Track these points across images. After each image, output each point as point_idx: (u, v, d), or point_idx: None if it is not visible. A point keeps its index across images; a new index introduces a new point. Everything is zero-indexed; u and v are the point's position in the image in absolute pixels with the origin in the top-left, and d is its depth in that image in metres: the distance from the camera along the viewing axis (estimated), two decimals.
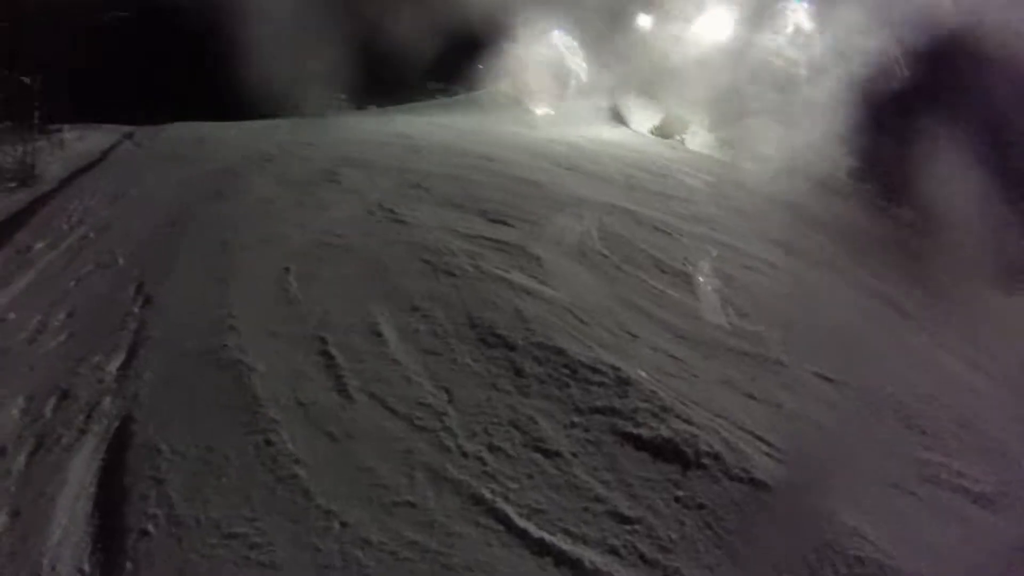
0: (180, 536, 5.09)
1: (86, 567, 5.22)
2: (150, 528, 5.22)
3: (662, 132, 22.08)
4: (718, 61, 21.14)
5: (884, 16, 17.60)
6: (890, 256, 14.50)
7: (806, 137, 19.14)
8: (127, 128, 17.46)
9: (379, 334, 7.23)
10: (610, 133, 21.00)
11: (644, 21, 24.66)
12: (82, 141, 16.64)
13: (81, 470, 6.10)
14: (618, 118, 22.89)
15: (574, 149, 17.02)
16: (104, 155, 15.51)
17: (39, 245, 10.87)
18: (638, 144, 19.87)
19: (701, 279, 9.82)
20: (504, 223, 10.26)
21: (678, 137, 21.74)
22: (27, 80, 14.54)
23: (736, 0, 21.44)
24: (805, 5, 20.99)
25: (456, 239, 9.43)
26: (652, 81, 22.69)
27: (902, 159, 16.35)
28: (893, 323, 11.04)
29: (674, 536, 5.07)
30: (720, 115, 21.77)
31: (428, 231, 9.72)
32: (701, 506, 5.35)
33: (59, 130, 16.14)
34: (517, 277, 8.44)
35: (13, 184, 13.79)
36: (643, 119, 22.54)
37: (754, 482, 5.57)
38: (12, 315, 8.87)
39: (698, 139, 21.81)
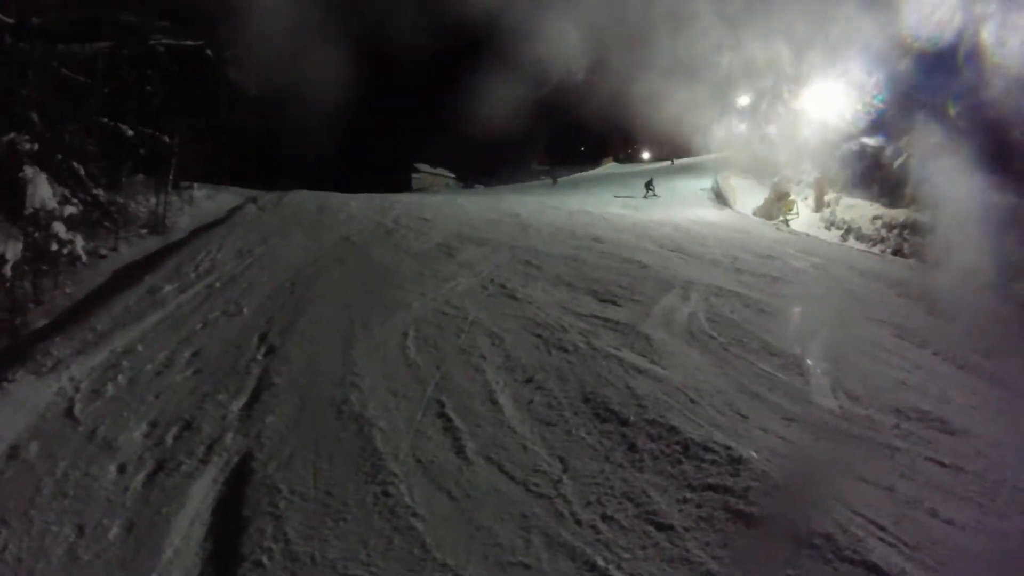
0: (295, 571, 5.37)
1: None
2: (264, 560, 5.52)
3: (765, 213, 21.95)
4: (822, 140, 21.13)
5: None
6: (1006, 336, 13.93)
7: (910, 216, 18.90)
8: (252, 192, 18.62)
9: (495, 402, 7.48)
10: (713, 214, 21.10)
11: (744, 100, 24.79)
12: (210, 200, 17.84)
13: (199, 497, 6.55)
14: (720, 199, 22.97)
15: (678, 231, 17.22)
16: (230, 214, 16.57)
17: (168, 288, 11.69)
18: (741, 225, 19.90)
19: (810, 362, 9.74)
20: (613, 303, 10.49)
21: (782, 218, 21.58)
22: (166, 139, 15.65)
23: (840, 76, 21.30)
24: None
25: (567, 316, 9.70)
26: (753, 161, 22.74)
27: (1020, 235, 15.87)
28: (1007, 407, 10.63)
29: None
30: (825, 196, 21.59)
31: (540, 307, 10.04)
32: None
33: (189, 187, 17.35)
34: (628, 355, 8.60)
35: (144, 231, 14.86)
36: (745, 200, 22.50)
37: (867, 565, 5.47)
38: (140, 347, 9.58)
39: (803, 220, 21.62)
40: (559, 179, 21.65)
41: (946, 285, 16.32)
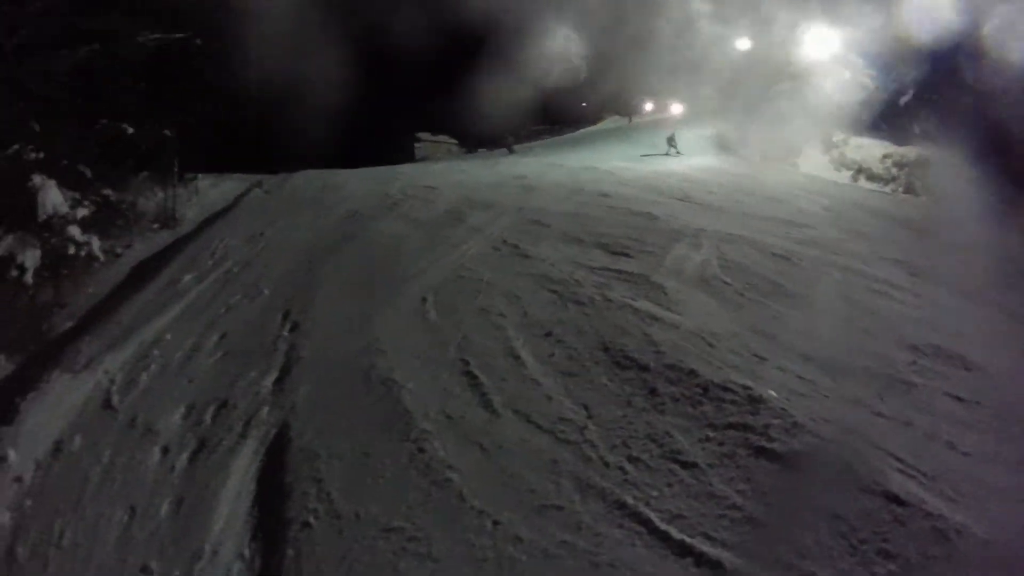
0: (341, 528, 5.66)
1: (246, 553, 5.88)
2: (311, 520, 5.82)
3: (772, 157, 21.71)
4: (826, 81, 20.96)
5: None
6: (1021, 270, 13.99)
7: (922, 154, 18.89)
8: (256, 176, 18.73)
9: (517, 357, 7.70)
10: (718, 161, 20.99)
11: (743, 44, 24.39)
12: (216, 188, 17.98)
13: (242, 469, 6.85)
14: (724, 146, 22.81)
15: (685, 180, 17.21)
16: (237, 200, 16.74)
17: (187, 278, 11.92)
18: (748, 171, 19.80)
19: (824, 303, 9.89)
20: (625, 255, 10.64)
21: (789, 161, 21.43)
22: (168, 133, 15.76)
23: (838, 15, 21.05)
24: None
25: (580, 271, 9.86)
26: (756, 106, 22.47)
27: None
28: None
29: (809, 543, 5.23)
30: (832, 136, 21.46)
31: (553, 264, 10.20)
32: (835, 516, 5.48)
33: (194, 178, 17.49)
34: (643, 305, 8.77)
35: (156, 226, 15.07)
36: (750, 145, 22.27)
37: (887, 495, 5.69)
38: (168, 336, 9.83)
39: (811, 161, 21.51)
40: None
41: (958, 222, 16.37)
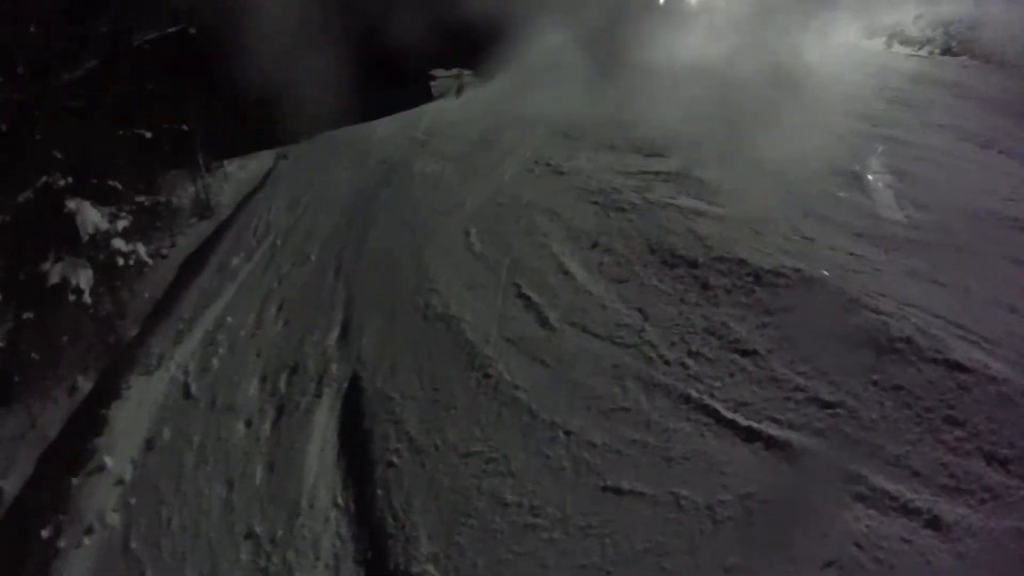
0: (423, 461, 5.93)
1: (340, 499, 6.20)
2: (394, 459, 6.10)
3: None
4: None
5: None
6: None
7: (958, 8, 18.00)
8: (279, 149, 18.85)
9: (567, 272, 7.75)
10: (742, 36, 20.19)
11: None
12: (243, 169, 18.12)
13: (323, 424, 7.15)
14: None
15: (718, 60, 16.52)
16: (266, 176, 16.91)
17: (235, 260, 12.18)
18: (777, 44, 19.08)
19: (872, 177, 9.67)
20: (660, 155, 10.44)
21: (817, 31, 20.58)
22: (185, 127, 15.98)
23: None
24: None
25: (618, 177, 9.75)
26: None
27: None
28: None
29: (875, 417, 5.27)
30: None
31: (589, 175, 10.09)
32: (898, 387, 5.48)
33: (221, 165, 17.73)
34: (685, 201, 8.69)
35: (193, 220, 15.39)
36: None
37: (949, 363, 5.62)
38: (230, 318, 10.13)
39: (839, 29, 20.65)
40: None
41: (1003, 82, 15.68)
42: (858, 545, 4.49)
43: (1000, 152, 11.08)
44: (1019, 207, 8.87)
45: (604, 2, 17.22)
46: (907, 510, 4.69)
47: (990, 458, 5.04)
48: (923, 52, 17.80)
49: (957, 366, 5.60)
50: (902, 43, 18.35)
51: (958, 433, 5.12)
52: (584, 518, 4.99)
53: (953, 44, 17.69)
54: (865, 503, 4.75)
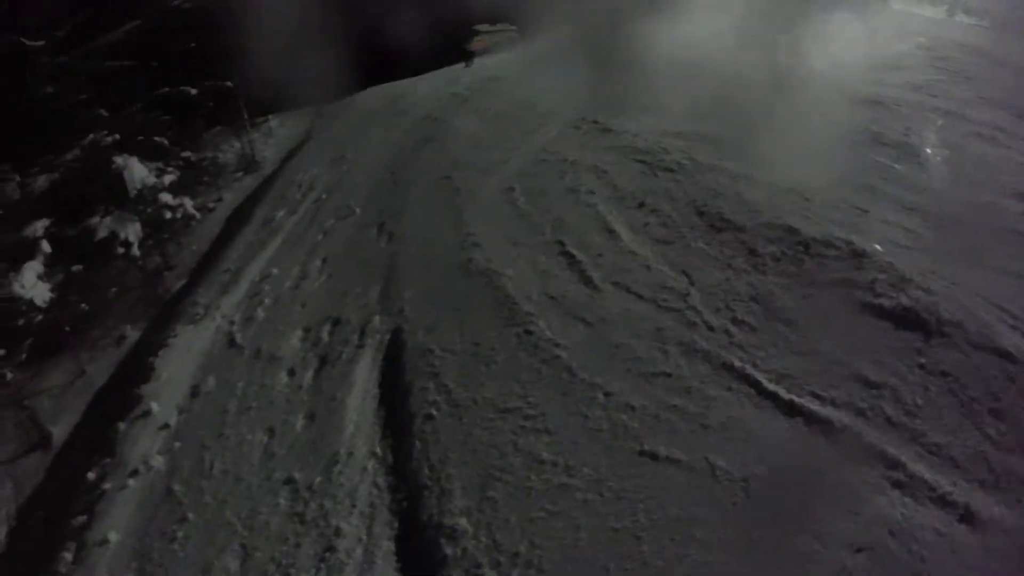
0: (460, 416, 5.96)
1: (378, 450, 6.27)
2: (433, 412, 6.14)
3: None
4: None
5: None
6: None
7: None
8: (320, 106, 18.89)
9: (612, 231, 7.70)
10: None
11: None
12: (285, 126, 18.28)
13: (364, 376, 7.23)
14: None
15: (765, 28, 16.16)
16: (309, 132, 17.01)
17: (280, 214, 12.32)
18: (831, 10, 18.58)
19: (928, 150, 9.42)
20: (707, 119, 10.23)
21: None
22: (230, 84, 16.08)
23: None
24: None
25: (665, 138, 9.63)
26: None
27: None
28: None
29: (919, 401, 5.19)
30: None
31: (636, 135, 9.98)
32: (944, 373, 5.39)
33: (265, 121, 17.87)
34: (733, 165, 8.54)
35: (239, 174, 15.58)
36: None
37: (998, 351, 5.51)
38: (275, 270, 10.26)
39: None
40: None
41: None
42: (892, 533, 4.44)
43: None
44: None
45: None
46: (944, 502, 4.62)
47: None
48: (985, 23, 17.23)
49: (1006, 355, 5.48)
50: (965, 12, 17.78)
51: (1001, 426, 5.02)
52: (619, 481, 5.00)
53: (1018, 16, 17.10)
54: (902, 490, 4.70)
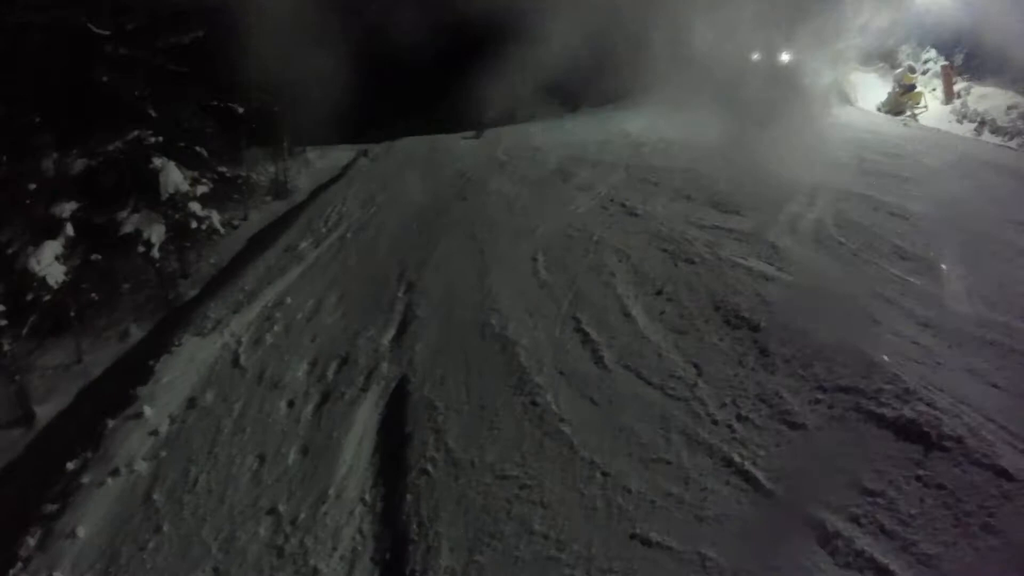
0: (457, 475, 5.99)
1: (368, 496, 6.29)
2: (429, 468, 6.18)
3: (891, 108, 20.65)
4: (950, 20, 19.71)
5: None
6: None
7: None
8: (361, 146, 19.19)
9: (628, 314, 7.80)
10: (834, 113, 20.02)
11: None
12: (324, 159, 18.56)
13: (364, 419, 7.29)
14: (841, 96, 21.81)
15: (802, 135, 16.53)
16: (345, 170, 17.24)
17: (304, 244, 12.45)
18: (866, 123, 18.84)
19: (944, 266, 9.51)
20: (736, 212, 10.45)
21: (909, 113, 20.31)
22: (276, 109, 16.37)
23: None
24: None
25: (691, 228, 9.79)
26: (873, 52, 21.30)
27: None
28: None
29: (913, 512, 5.23)
30: (954, 86, 20.18)
31: (662, 222, 10.15)
32: (941, 486, 5.44)
33: (303, 151, 18.15)
34: (755, 264, 8.67)
35: (268, 198, 15.81)
36: (867, 96, 21.17)
37: (996, 469, 5.56)
38: (289, 299, 10.35)
39: (931, 114, 20.34)
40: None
41: None
42: None
43: None
44: None
45: None
46: None
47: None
48: (1013, 144, 17.45)
49: (1004, 473, 5.54)
50: (992, 132, 18.01)
51: (993, 542, 5.06)
52: (608, 561, 5.01)
53: None
54: None
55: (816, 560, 4.93)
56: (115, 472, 7.76)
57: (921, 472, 5.58)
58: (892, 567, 4.85)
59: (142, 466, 7.79)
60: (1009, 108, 18.41)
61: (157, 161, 12.38)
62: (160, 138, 12.66)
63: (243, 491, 6.96)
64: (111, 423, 8.52)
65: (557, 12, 17.01)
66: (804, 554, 4.99)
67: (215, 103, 14.81)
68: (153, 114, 12.81)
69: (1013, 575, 4.95)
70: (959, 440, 5.81)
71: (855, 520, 5.18)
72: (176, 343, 9.89)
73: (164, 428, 8.28)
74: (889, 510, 5.24)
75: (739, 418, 6.11)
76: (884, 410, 6.11)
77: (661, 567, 4.95)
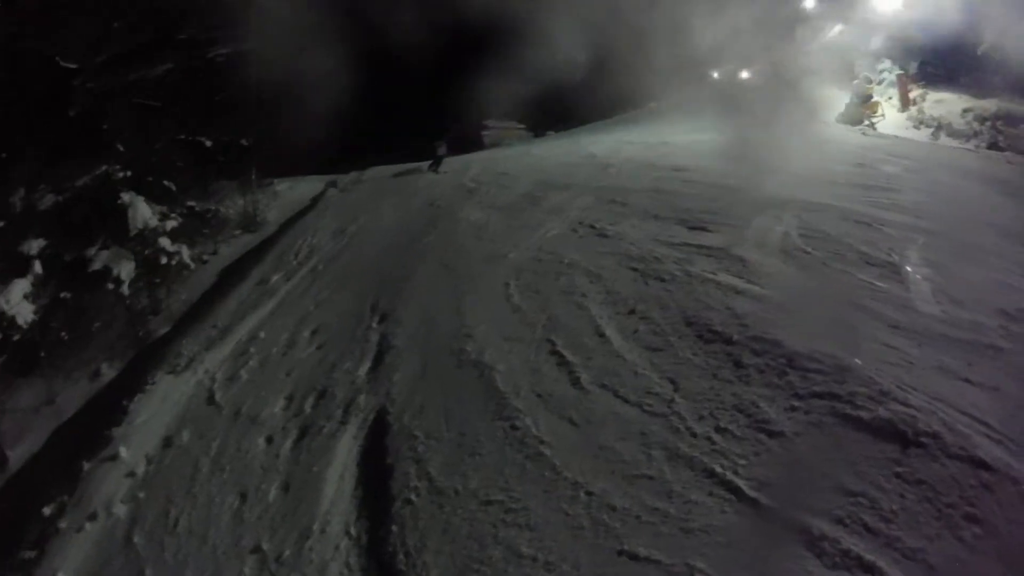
0: (441, 504, 5.95)
1: (353, 530, 6.24)
2: (412, 498, 6.14)
3: (849, 119, 21.02)
4: (903, 30, 20.23)
5: None
6: None
7: (1002, 106, 18.05)
8: (329, 176, 19.23)
9: (603, 335, 7.83)
10: (793, 126, 20.35)
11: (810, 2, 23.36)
12: (292, 191, 18.59)
13: (344, 453, 7.24)
14: (803, 110, 22.17)
15: (763, 149, 16.81)
16: (315, 201, 17.28)
17: (275, 277, 12.42)
18: (826, 134, 19.27)
19: (910, 269, 9.72)
20: (704, 229, 10.58)
21: (867, 123, 20.68)
22: (245, 142, 16.42)
23: None
24: None
25: (660, 247, 9.89)
26: (826, 65, 21.75)
27: None
28: None
29: (895, 508, 5.30)
30: (909, 94, 20.66)
31: (632, 242, 10.25)
32: (921, 481, 5.53)
33: (271, 183, 18.17)
34: (725, 278, 8.77)
35: (238, 232, 15.79)
36: (827, 108, 21.51)
37: (974, 461, 5.68)
38: (263, 334, 10.29)
39: (889, 121, 20.73)
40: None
41: None
42: None
43: None
44: None
45: None
46: None
47: (1008, 560, 5.09)
48: (970, 146, 17.86)
49: (982, 464, 5.66)
50: (949, 135, 18.43)
51: (977, 531, 5.17)
52: None
53: (1000, 139, 17.78)
54: None
55: (804, 564, 4.97)
56: (93, 516, 7.67)
57: (900, 469, 5.67)
58: (879, 563, 4.92)
59: (121, 509, 7.69)
60: (964, 111, 18.93)
61: (126, 196, 12.35)
62: (129, 172, 12.62)
63: (225, 530, 6.88)
64: (87, 465, 8.42)
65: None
66: (791, 558, 5.03)
67: (183, 136, 14.80)
68: (121, 148, 12.77)
69: (998, 562, 5.05)
70: (935, 436, 5.92)
71: (839, 521, 5.23)
72: (150, 382, 9.81)
73: (141, 469, 8.19)
74: (872, 509, 5.31)
75: (718, 430, 6.16)
76: (860, 412, 6.21)
77: None
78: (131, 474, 8.14)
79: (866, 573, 4.90)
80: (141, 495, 7.79)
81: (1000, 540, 5.16)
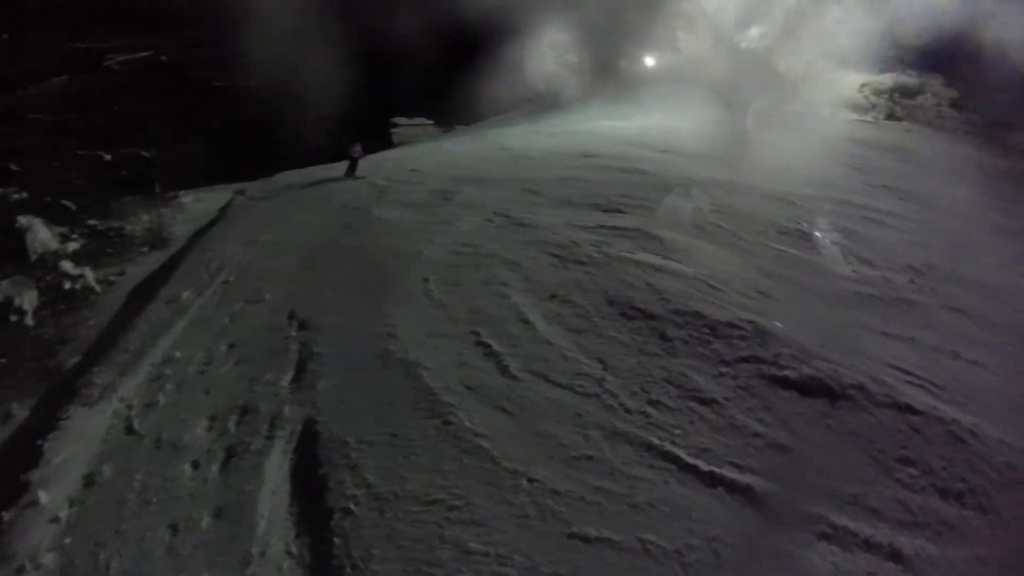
0: (382, 509, 5.77)
1: (294, 548, 5.99)
2: (351, 507, 5.93)
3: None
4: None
5: None
6: (1012, 188, 14.22)
7: (898, 80, 19.00)
8: (236, 185, 18.73)
9: (527, 321, 7.79)
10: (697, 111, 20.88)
11: None
12: (200, 202, 17.97)
13: (275, 469, 6.94)
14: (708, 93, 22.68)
15: (669, 133, 17.17)
16: (223, 211, 16.74)
17: (186, 294, 11.95)
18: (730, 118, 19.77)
19: (820, 235, 10.04)
20: (619, 211, 10.66)
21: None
22: (147, 155, 15.88)
23: None
24: None
25: (577, 232, 9.91)
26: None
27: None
28: (1020, 255, 10.93)
29: (831, 460, 5.53)
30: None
31: (549, 229, 10.23)
32: (853, 432, 5.80)
33: (175, 196, 17.60)
34: (643, 256, 8.86)
35: (145, 249, 15.20)
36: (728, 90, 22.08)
37: (900, 407, 6.02)
38: (178, 353, 9.88)
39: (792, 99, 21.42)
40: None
41: (944, 146, 16.53)
42: None
43: (939, 212, 11.67)
44: (958, 262, 9.38)
45: None
46: (869, 545, 4.97)
47: (944, 493, 5.42)
48: (868, 118, 18.67)
49: (908, 409, 6.00)
50: (850, 109, 19.23)
51: (912, 471, 5.49)
52: (552, 566, 4.95)
53: (896, 110, 18.76)
54: (828, 541, 5.01)
55: (750, 522, 5.12)
56: (21, 570, 7.18)
57: (831, 422, 5.94)
58: (823, 512, 5.14)
59: (48, 559, 7.22)
60: (861, 86, 19.86)
61: (23, 220, 11.71)
62: (24, 194, 11.99)
63: (160, 568, 6.53)
64: (7, 515, 7.90)
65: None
66: (737, 520, 5.15)
67: (82, 151, 14.19)
68: (14, 168, 12.16)
69: (934, 497, 5.36)
70: (861, 387, 6.23)
71: (778, 478, 5.39)
72: (63, 417, 9.28)
73: (64, 513, 7.72)
74: (808, 463, 5.52)
75: (651, 403, 6.22)
76: (786, 372, 6.44)
77: (605, 561, 4.94)
78: (55, 519, 7.67)
79: (812, 523, 5.08)
80: (67, 541, 7.34)
81: (935, 476, 5.47)
